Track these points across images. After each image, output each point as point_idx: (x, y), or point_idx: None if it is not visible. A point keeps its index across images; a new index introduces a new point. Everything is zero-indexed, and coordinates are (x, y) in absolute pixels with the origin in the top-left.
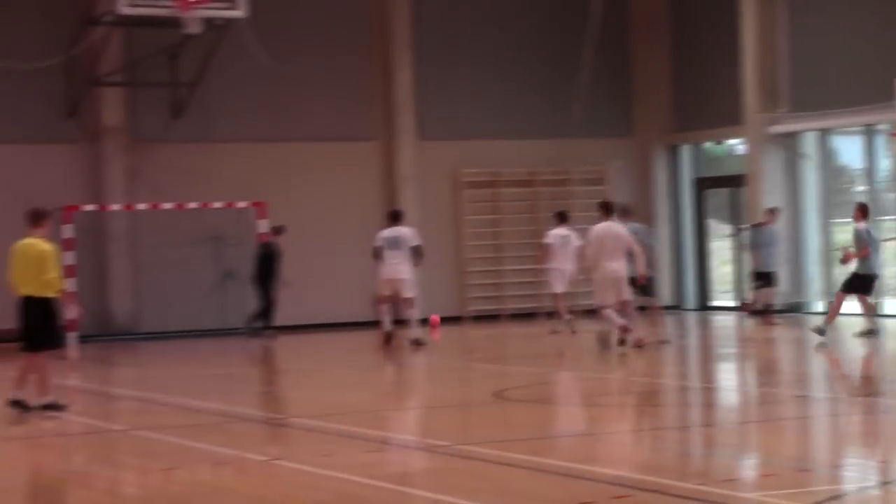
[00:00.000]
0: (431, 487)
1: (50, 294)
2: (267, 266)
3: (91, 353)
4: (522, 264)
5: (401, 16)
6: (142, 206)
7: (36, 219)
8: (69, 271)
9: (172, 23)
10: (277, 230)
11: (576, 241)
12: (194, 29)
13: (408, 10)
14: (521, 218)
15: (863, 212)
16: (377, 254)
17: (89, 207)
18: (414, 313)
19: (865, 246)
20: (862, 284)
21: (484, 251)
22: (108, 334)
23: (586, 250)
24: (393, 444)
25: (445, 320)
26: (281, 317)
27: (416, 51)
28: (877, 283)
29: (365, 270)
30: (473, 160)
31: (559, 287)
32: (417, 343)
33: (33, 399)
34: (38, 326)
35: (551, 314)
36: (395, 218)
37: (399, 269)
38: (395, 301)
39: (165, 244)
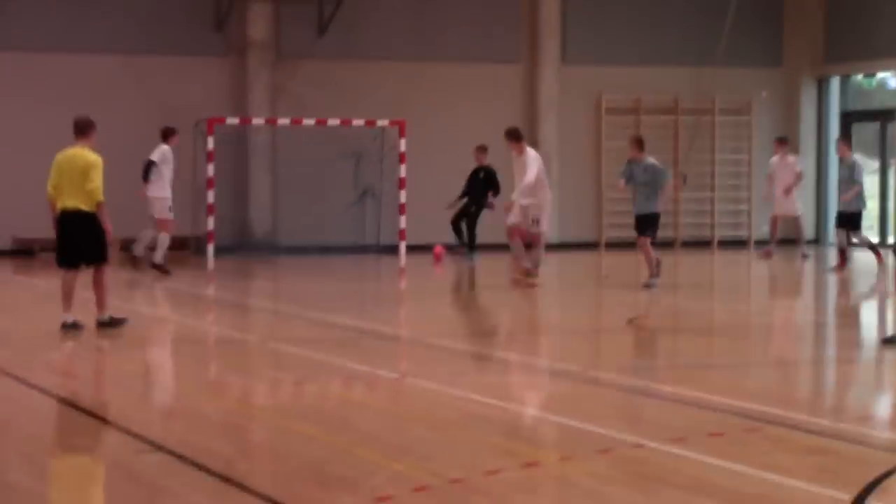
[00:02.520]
0: (559, 411)
1: (89, 207)
2: (483, 188)
3: (228, 266)
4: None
5: None
6: (283, 121)
7: (83, 128)
8: (209, 183)
9: None
10: (482, 149)
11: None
12: None
13: None
14: (663, 146)
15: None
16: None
17: (232, 121)
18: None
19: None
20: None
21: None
22: (245, 247)
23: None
24: (523, 367)
25: (583, 246)
26: (419, 236)
27: None
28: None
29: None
30: (616, 86)
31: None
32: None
33: (95, 315)
34: (94, 241)
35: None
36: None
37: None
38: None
39: (305, 160)
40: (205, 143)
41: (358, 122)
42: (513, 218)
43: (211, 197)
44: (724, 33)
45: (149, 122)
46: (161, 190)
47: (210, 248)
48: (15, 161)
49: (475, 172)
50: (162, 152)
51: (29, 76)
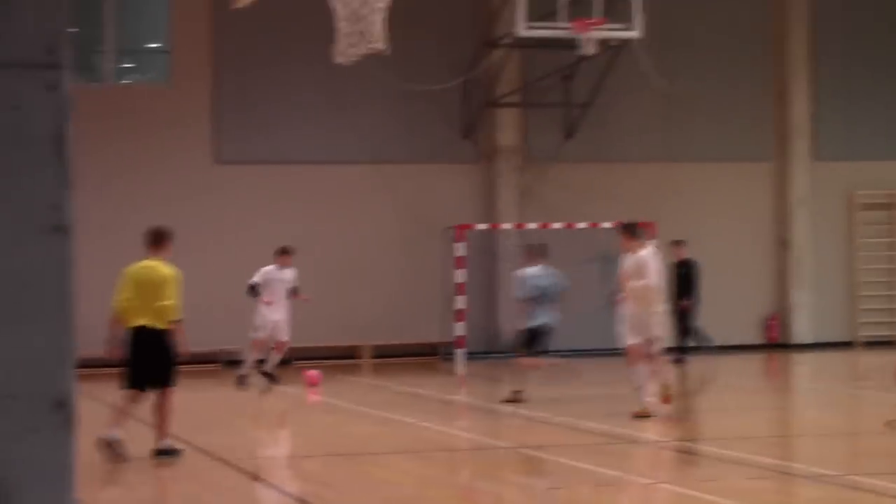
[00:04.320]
0: None
1: (163, 325)
2: (687, 284)
3: (478, 370)
4: None
5: (799, 37)
6: (532, 226)
7: (158, 240)
8: (459, 289)
9: (568, 44)
10: (678, 243)
11: None
12: (590, 50)
13: (806, 27)
14: None
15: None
16: None
17: (481, 226)
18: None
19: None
20: None
21: (878, 275)
22: (495, 351)
23: None
24: (778, 471)
25: (835, 345)
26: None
27: (812, 72)
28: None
29: (753, 292)
30: (869, 181)
31: None
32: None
33: (154, 441)
34: (166, 361)
35: None
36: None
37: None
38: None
39: (556, 263)
40: (452, 248)
41: (607, 224)
42: (635, 337)
43: (461, 303)
44: None
45: (400, 228)
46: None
47: (460, 353)
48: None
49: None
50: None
51: (292, 184)
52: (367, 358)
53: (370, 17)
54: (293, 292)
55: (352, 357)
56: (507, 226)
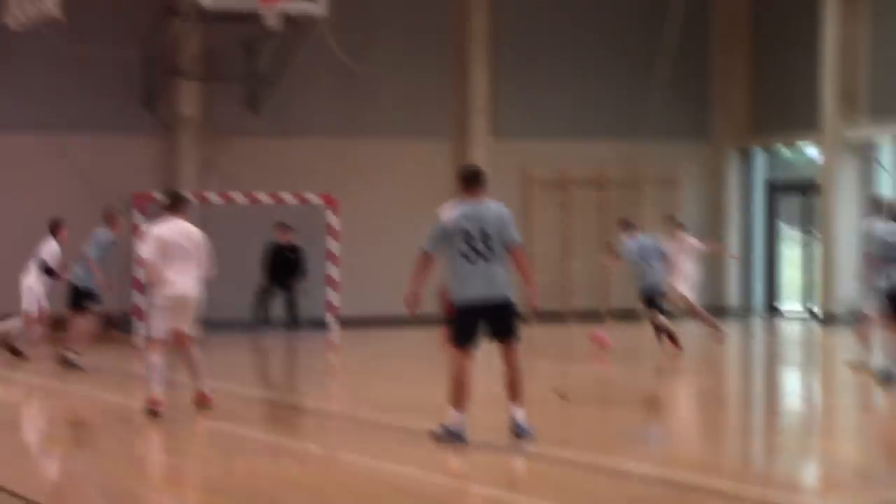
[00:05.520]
0: (489, 483)
1: None
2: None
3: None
4: (590, 264)
5: (478, 16)
6: (214, 198)
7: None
8: (138, 261)
9: (252, 17)
10: (283, 227)
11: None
12: (273, 24)
13: (485, 11)
14: (590, 219)
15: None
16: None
17: (160, 197)
18: None
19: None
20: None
21: (552, 250)
22: None
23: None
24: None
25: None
26: (350, 310)
27: (491, 51)
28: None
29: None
30: (545, 160)
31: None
32: None
33: None
34: None
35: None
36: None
37: None
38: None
39: (236, 237)
40: (132, 219)
41: (289, 197)
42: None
43: (141, 274)
44: (650, 107)
45: (78, 198)
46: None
47: (139, 325)
48: None
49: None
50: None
51: None
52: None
53: None
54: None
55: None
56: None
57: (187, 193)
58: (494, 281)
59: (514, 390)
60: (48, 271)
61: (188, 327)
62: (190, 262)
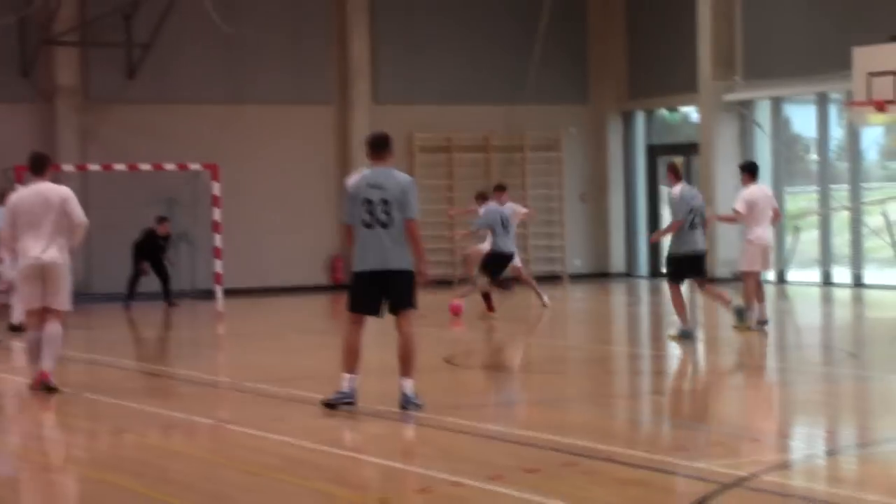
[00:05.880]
0: (379, 453)
1: None
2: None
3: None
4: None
5: None
6: (94, 167)
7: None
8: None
9: None
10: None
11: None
12: None
13: None
14: (475, 183)
15: (675, 173)
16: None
17: None
18: None
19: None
20: (691, 266)
21: (437, 216)
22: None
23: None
24: (341, 409)
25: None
26: (235, 280)
27: (371, 15)
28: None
29: (316, 234)
30: (427, 125)
31: None
32: None
33: None
34: None
35: None
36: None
37: None
38: None
39: (118, 206)
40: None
41: (170, 166)
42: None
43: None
44: (530, 71)
45: None
46: None
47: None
48: None
49: None
50: None
51: None
52: None
53: None
54: None
55: None
56: (68, 167)
57: (48, 154)
58: (390, 250)
59: (405, 362)
60: None
61: (51, 298)
62: (45, 227)
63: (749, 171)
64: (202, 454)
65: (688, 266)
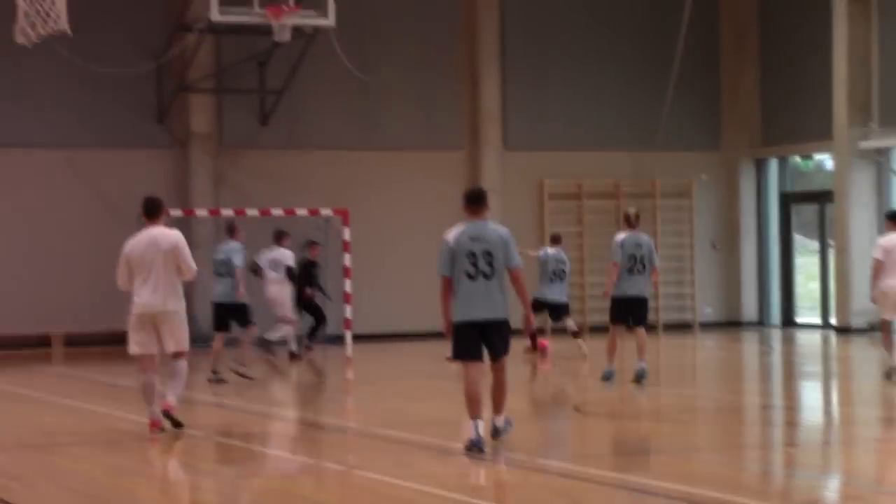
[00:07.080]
0: (507, 500)
1: None
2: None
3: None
4: (604, 275)
5: (489, 27)
6: (227, 212)
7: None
8: None
9: (262, 30)
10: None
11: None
12: (283, 37)
13: (496, 22)
14: (605, 230)
15: (627, 221)
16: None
17: (175, 212)
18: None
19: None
20: (627, 308)
21: (571, 262)
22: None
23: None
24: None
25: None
26: (364, 325)
27: (503, 62)
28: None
29: None
30: (558, 171)
31: None
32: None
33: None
34: None
35: None
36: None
37: None
38: None
39: (250, 251)
40: None
41: (302, 211)
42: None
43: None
44: (662, 117)
45: (93, 213)
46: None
47: None
48: None
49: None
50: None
51: None
52: (58, 346)
53: None
54: None
55: (43, 345)
56: (201, 212)
57: (160, 198)
58: (493, 300)
59: (498, 402)
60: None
61: (167, 342)
62: (154, 272)
63: (892, 219)
64: (329, 499)
65: (624, 308)
